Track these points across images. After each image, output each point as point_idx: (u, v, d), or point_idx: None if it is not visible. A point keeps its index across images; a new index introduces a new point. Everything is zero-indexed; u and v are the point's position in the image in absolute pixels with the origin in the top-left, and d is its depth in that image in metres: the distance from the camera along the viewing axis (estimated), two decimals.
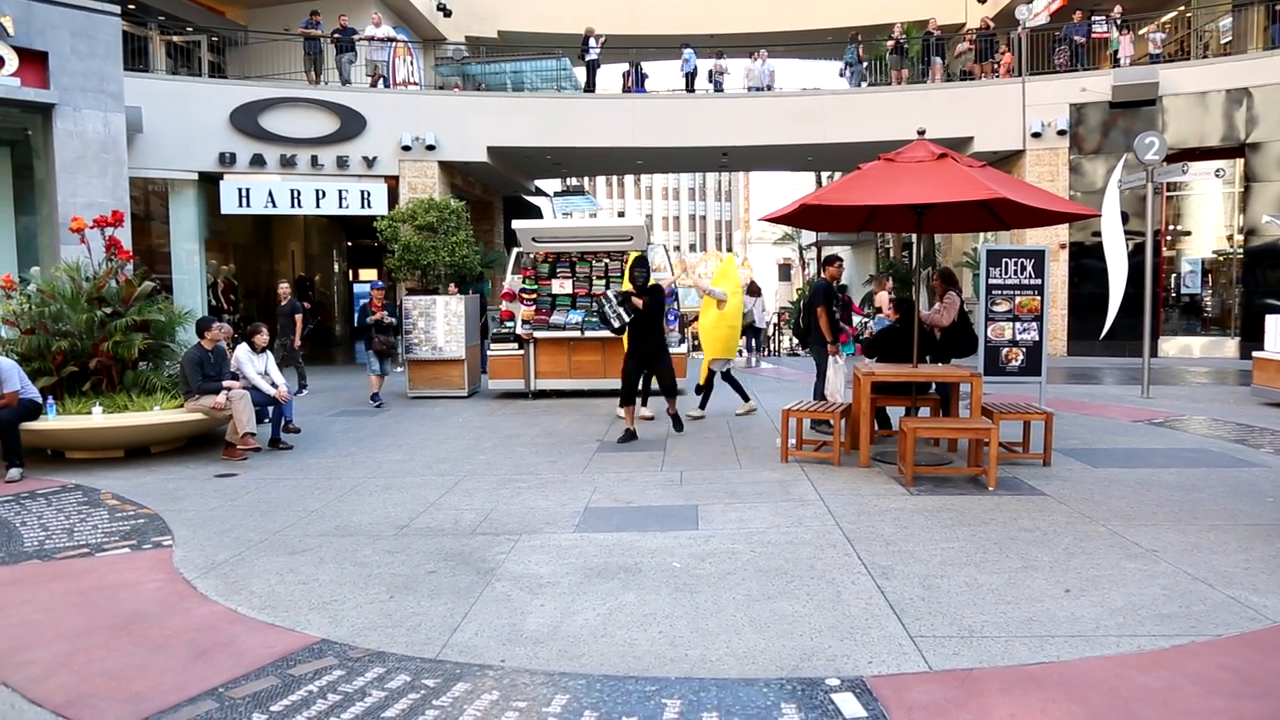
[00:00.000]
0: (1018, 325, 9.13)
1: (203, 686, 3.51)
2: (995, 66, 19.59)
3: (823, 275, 9.67)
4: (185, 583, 4.81)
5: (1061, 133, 18.17)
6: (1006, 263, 9.11)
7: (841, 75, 21.17)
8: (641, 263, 9.06)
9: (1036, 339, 9.07)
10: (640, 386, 9.98)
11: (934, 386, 8.35)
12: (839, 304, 9.28)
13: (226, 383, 8.38)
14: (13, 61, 12.13)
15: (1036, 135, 18.19)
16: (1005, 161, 18.63)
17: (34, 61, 12.40)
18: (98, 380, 8.76)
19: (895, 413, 8.78)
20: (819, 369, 9.46)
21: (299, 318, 13.41)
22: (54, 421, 8.02)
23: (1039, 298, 8.96)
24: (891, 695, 3.32)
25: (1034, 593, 4.36)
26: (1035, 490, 6.51)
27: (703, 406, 10.34)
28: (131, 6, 17.03)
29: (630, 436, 8.75)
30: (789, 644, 3.81)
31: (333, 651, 3.83)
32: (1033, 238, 16.14)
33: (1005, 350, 9.14)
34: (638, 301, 8.62)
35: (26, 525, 6.03)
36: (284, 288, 14.21)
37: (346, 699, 3.38)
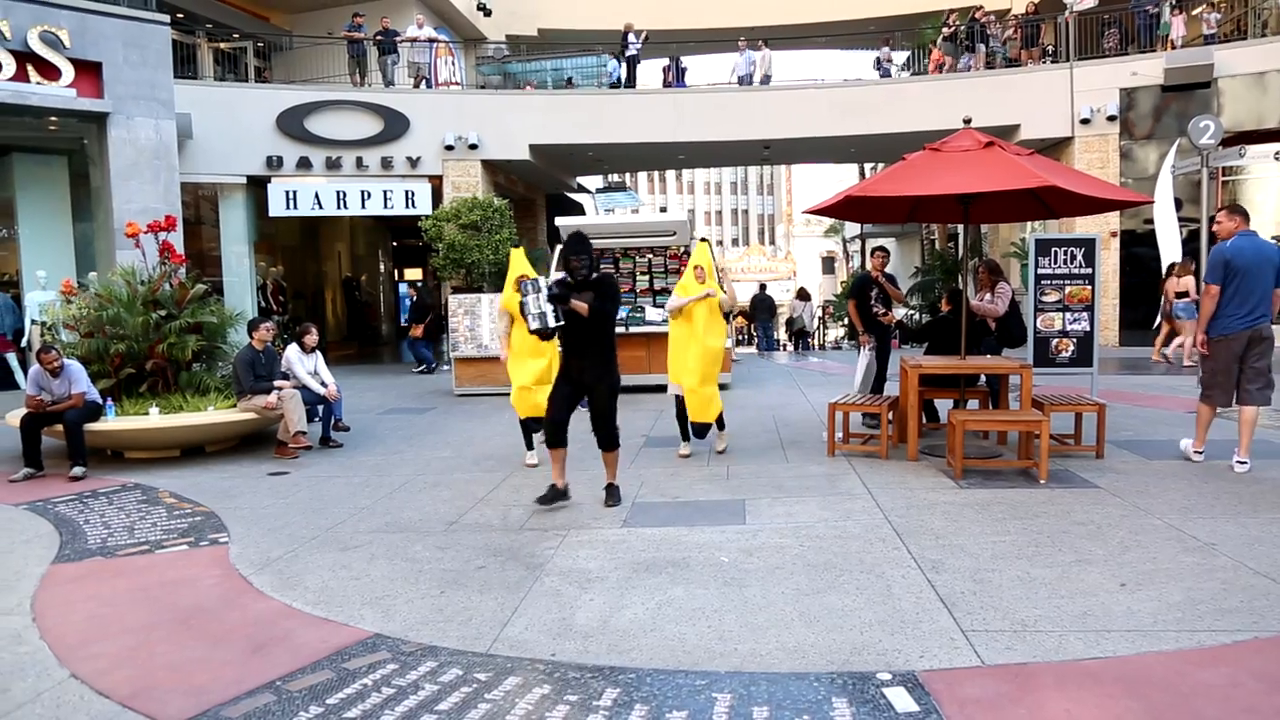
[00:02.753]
0: (1068, 315, 8.96)
1: (261, 680, 3.58)
2: (1044, 52, 19.24)
3: (869, 268, 9.59)
4: (241, 578, 4.91)
5: (1111, 118, 17.80)
6: (1056, 252, 8.93)
7: (877, 69, 20.92)
8: (580, 245, 6.00)
9: (1087, 329, 8.89)
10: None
11: (983, 379, 8.25)
12: (879, 297, 9.16)
13: (278, 383, 8.53)
14: (69, 73, 12.43)
15: (1085, 121, 17.83)
16: (1053, 149, 18.30)
17: (89, 72, 12.71)
18: (154, 382, 8.97)
19: (943, 405, 8.68)
20: (871, 362, 9.36)
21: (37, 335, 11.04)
22: (114, 422, 8.23)
23: (1090, 287, 8.78)
24: (944, 690, 3.29)
25: (1088, 587, 4.29)
26: (1088, 483, 6.40)
27: (720, 426, 8.06)
28: (180, 15, 17.36)
29: (556, 496, 6.07)
30: (839, 638, 3.79)
31: (386, 646, 3.89)
32: (1082, 226, 15.84)
33: (1055, 341, 8.97)
34: (578, 305, 5.78)
35: (90, 523, 6.19)
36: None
37: (400, 692, 3.42)
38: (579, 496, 6.41)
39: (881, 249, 9.70)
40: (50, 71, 12.30)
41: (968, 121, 7.55)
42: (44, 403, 7.85)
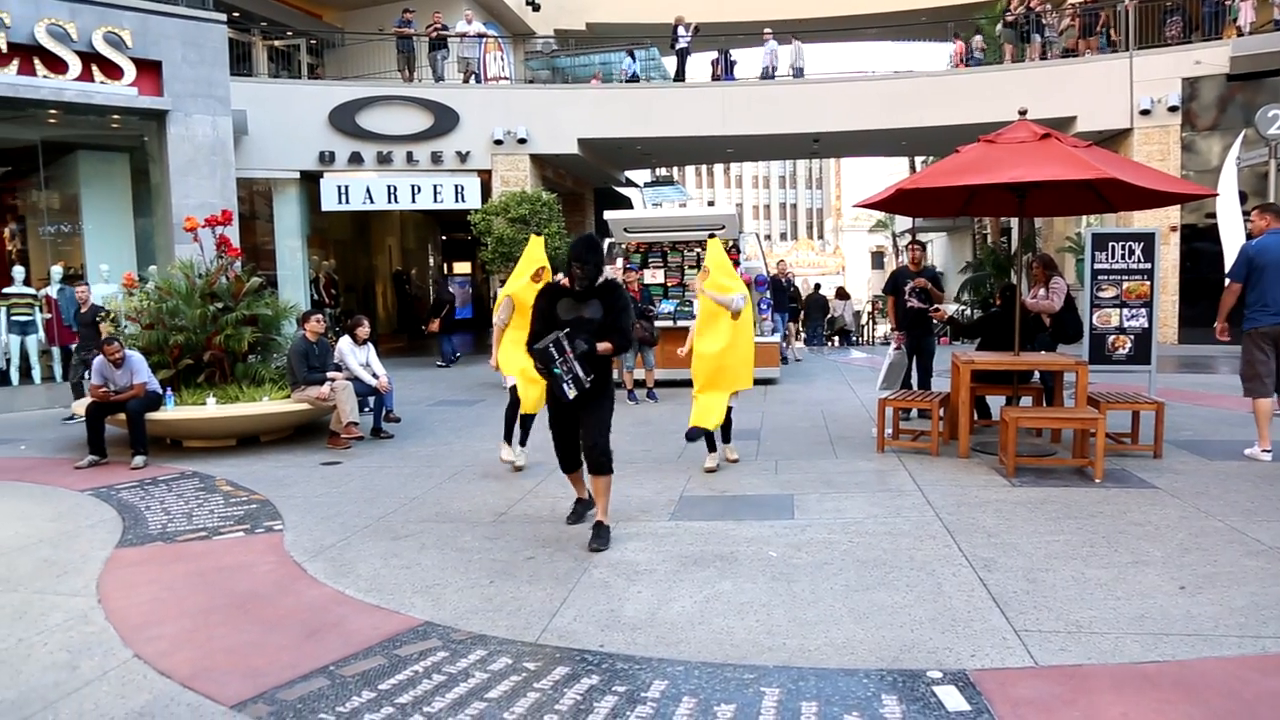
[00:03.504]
0: (1125, 312, 8.76)
1: (315, 664, 3.65)
2: (1103, 41, 18.79)
3: (908, 264, 9.46)
4: (296, 565, 5.00)
5: (1173, 109, 17.34)
6: (1113, 246, 8.74)
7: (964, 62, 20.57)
8: (586, 251, 5.17)
9: (1145, 326, 8.68)
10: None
11: (1036, 375, 8.11)
12: (914, 292, 9.00)
13: (330, 374, 8.68)
14: (131, 72, 12.72)
15: (1145, 112, 17.39)
16: (1111, 141, 17.89)
17: (149, 71, 12.99)
18: (211, 373, 9.17)
19: (995, 402, 8.55)
20: (918, 357, 9.24)
21: (105, 326, 10.44)
22: (173, 412, 8.43)
23: (1148, 283, 8.58)
24: (996, 690, 3.25)
25: (1146, 589, 4.20)
26: (1145, 483, 6.27)
27: (724, 439, 7.40)
28: (236, 14, 17.67)
29: (586, 507, 5.66)
30: (889, 635, 3.76)
31: (436, 634, 3.94)
32: (1141, 220, 15.48)
33: (1112, 338, 8.78)
34: (605, 348, 5.08)
35: (150, 510, 6.36)
36: (82, 290, 11.02)
37: (451, 679, 3.47)
38: (624, 490, 6.43)
39: (916, 242, 9.57)
40: (113, 71, 12.60)
41: (1023, 113, 7.42)
42: (108, 392, 8.07)
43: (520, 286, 7.20)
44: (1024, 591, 4.20)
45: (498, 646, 3.78)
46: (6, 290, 12.48)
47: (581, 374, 5.00)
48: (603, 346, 5.09)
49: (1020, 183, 6.71)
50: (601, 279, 5.25)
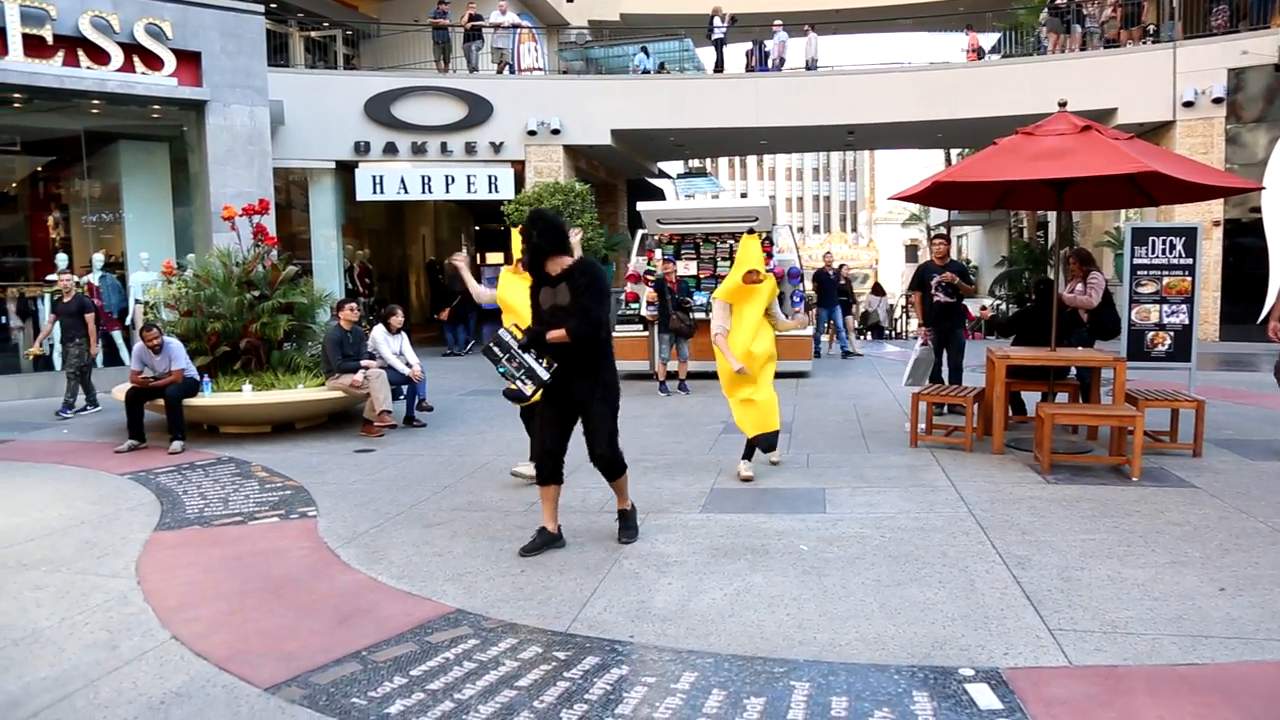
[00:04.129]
0: (1165, 308, 8.62)
1: (347, 649, 3.69)
2: (1145, 32, 18.45)
3: (932, 258, 9.36)
4: (329, 551, 5.06)
5: (1217, 100, 16.99)
6: (1154, 241, 8.59)
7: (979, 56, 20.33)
8: (532, 223, 4.70)
9: (1186, 322, 8.54)
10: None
11: (1073, 371, 8.01)
12: (940, 286, 8.91)
13: (364, 362, 8.75)
14: (171, 63, 12.89)
15: (1189, 104, 17.07)
16: (1153, 133, 17.59)
17: (189, 62, 13.15)
18: (247, 360, 9.29)
19: (1030, 398, 8.45)
20: (948, 352, 9.15)
21: (90, 318, 10.49)
22: (210, 398, 8.55)
23: (1189, 278, 8.43)
24: (1029, 689, 3.22)
25: (1184, 590, 4.14)
26: (1184, 482, 6.17)
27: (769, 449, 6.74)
28: (273, 5, 17.82)
29: (547, 542, 4.89)
30: (920, 631, 3.73)
31: (467, 621, 3.97)
32: (1182, 214, 15.19)
33: (1151, 334, 8.64)
34: (557, 336, 4.61)
35: (188, 494, 6.46)
36: (65, 280, 10.74)
37: (481, 667, 3.49)
38: (655, 482, 6.43)
39: (942, 236, 9.47)
40: (154, 62, 12.76)
41: (1063, 105, 7.31)
42: (147, 378, 8.21)
43: (508, 284, 6.36)
44: (1058, 590, 4.16)
45: (528, 635, 3.80)
46: (50, 277, 12.71)
47: (535, 366, 4.61)
48: (553, 334, 4.58)
49: (1061, 177, 6.61)
50: (567, 260, 4.72)
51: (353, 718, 3.12)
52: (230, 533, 5.48)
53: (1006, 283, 22.63)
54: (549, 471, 4.87)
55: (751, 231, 6.79)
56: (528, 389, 4.62)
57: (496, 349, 4.67)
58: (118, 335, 13.22)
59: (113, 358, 13.05)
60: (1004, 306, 22.60)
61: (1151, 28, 18.52)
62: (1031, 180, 6.92)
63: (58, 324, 12.51)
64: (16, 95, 12.54)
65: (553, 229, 4.70)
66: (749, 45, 20.66)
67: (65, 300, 10.58)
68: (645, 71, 20.29)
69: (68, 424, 9.82)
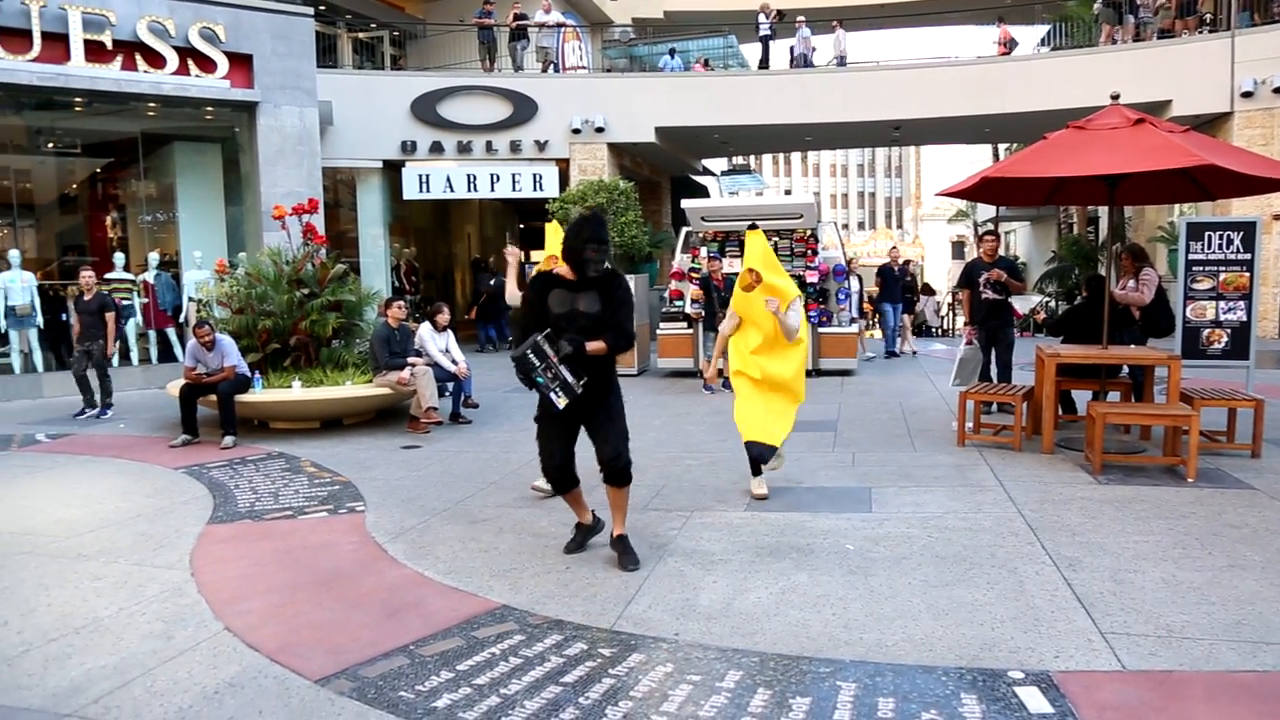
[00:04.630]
0: (1222, 304, 8.41)
1: (395, 643, 3.74)
2: (1201, 21, 17.99)
3: (979, 254, 9.22)
4: (377, 546, 5.13)
5: (1278, 90, 16.54)
6: (1210, 236, 8.39)
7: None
8: (600, 229, 4.51)
9: (1244, 319, 8.33)
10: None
11: (1125, 370, 7.85)
12: (989, 284, 8.76)
13: (411, 359, 8.85)
14: (224, 65, 13.14)
15: (1247, 95, 16.60)
16: (1210, 125, 17.14)
17: (241, 64, 13.40)
18: (297, 356, 9.44)
19: (1081, 397, 8.31)
20: (996, 350, 9.02)
21: (110, 317, 10.27)
22: (260, 394, 8.71)
23: (1248, 274, 8.22)
24: (1081, 693, 3.16)
25: (1243, 594, 4.04)
26: (1242, 483, 6.02)
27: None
28: (322, 7, 18.08)
29: (588, 533, 4.98)
30: (968, 633, 3.69)
31: (513, 617, 4.00)
32: (1239, 209, 14.81)
33: (1207, 332, 8.44)
34: (596, 348, 4.43)
35: (239, 488, 6.58)
36: (87, 277, 10.44)
37: (527, 663, 3.52)
38: (699, 480, 6.43)
39: (992, 233, 9.32)
40: (207, 65, 13.02)
41: (1115, 97, 7.16)
42: (200, 374, 8.38)
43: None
44: (1110, 593, 4.08)
45: (573, 631, 3.82)
46: (108, 276, 13.03)
47: (571, 379, 4.36)
48: (593, 346, 4.40)
49: (1114, 172, 6.48)
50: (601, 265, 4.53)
51: (400, 711, 3.16)
52: (280, 527, 5.58)
53: (1055, 280, 22.25)
54: (563, 481, 4.74)
55: (754, 227, 6.10)
56: (561, 402, 4.40)
57: (534, 358, 4.33)
58: (172, 332, 13.52)
59: (167, 354, 13.35)
60: (1053, 304, 22.21)
61: (1208, 16, 18.06)
62: (1082, 175, 6.80)
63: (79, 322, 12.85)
64: (78, 99, 12.89)
65: (605, 233, 4.55)
66: (793, 41, 20.51)
67: (87, 299, 10.34)
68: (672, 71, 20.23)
69: (124, 418, 10.04)
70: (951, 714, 3.04)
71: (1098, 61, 17.58)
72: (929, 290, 24.73)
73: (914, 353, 15.38)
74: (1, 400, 11.82)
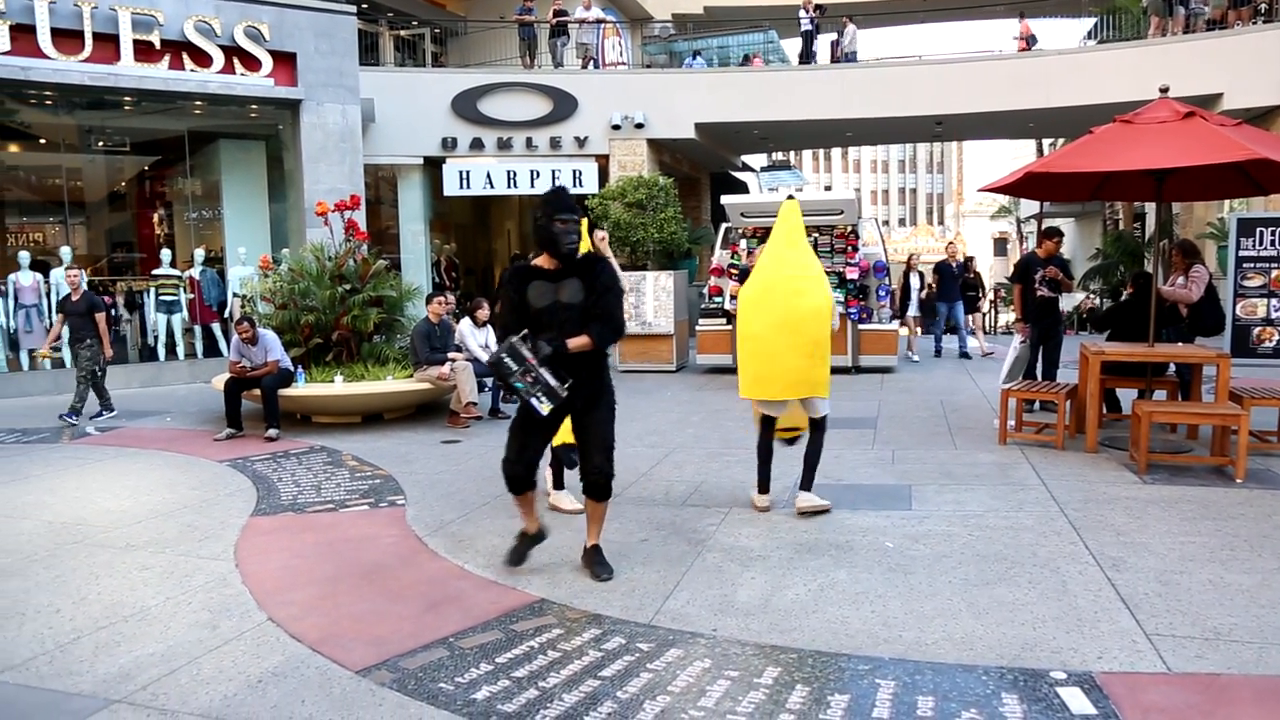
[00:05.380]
0: (1274, 302, 8.25)
1: (435, 635, 3.78)
2: (1255, 11, 17.56)
3: (1036, 249, 9.07)
4: (417, 539, 5.18)
5: None
6: (1261, 232, 8.24)
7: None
8: (565, 202, 4.21)
9: None
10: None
11: (1172, 368, 7.71)
12: (1044, 281, 8.63)
13: (451, 355, 8.93)
14: (268, 64, 13.33)
15: None
16: (1263, 119, 16.74)
17: (284, 62, 13.59)
18: (339, 351, 9.56)
19: (1125, 395, 8.16)
20: (1044, 348, 8.89)
21: (101, 317, 9.77)
22: (303, 388, 8.83)
23: None
24: (1125, 695, 3.11)
25: None
26: None
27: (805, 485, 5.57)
28: (364, 5, 18.26)
29: (531, 542, 4.60)
30: (1010, 632, 3.65)
31: (552, 611, 4.02)
32: None
33: (1258, 329, 8.28)
34: (579, 344, 4.13)
35: (282, 481, 6.68)
36: (73, 275, 9.91)
37: (565, 656, 3.54)
38: (738, 476, 6.41)
39: (1056, 231, 9.16)
40: (252, 63, 13.22)
41: (1164, 90, 7.02)
42: (244, 368, 8.52)
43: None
44: (1156, 594, 4.01)
45: (611, 626, 3.83)
46: (155, 272, 13.31)
47: (554, 383, 4.05)
48: (575, 343, 4.07)
49: (1163, 166, 6.36)
50: (582, 251, 4.25)
51: (440, 702, 3.19)
52: (322, 519, 5.66)
53: (1100, 277, 21.89)
54: (523, 481, 4.32)
55: (792, 197, 5.67)
56: (544, 408, 4.08)
57: (510, 361, 4.01)
58: (217, 328, 13.76)
59: (213, 349, 13.59)
60: (1097, 301, 21.86)
61: (1263, 6, 17.63)
62: (1130, 170, 6.68)
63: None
64: (127, 98, 13.15)
65: (571, 202, 4.19)
66: (834, 36, 20.36)
67: (74, 299, 9.80)
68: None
69: (170, 412, 10.23)
70: (992, 713, 3.01)
71: (1146, 54, 17.24)
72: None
73: (987, 353, 14.20)
74: (53, 393, 12.10)
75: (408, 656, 3.58)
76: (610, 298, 4.19)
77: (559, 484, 5.82)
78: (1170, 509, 5.35)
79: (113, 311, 10.73)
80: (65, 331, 10.88)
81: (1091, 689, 3.16)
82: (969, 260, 15.60)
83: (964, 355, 13.99)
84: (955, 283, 14.36)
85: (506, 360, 4.03)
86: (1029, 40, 19.41)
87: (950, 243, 17.53)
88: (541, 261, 4.24)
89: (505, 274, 4.28)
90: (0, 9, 11.29)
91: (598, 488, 4.35)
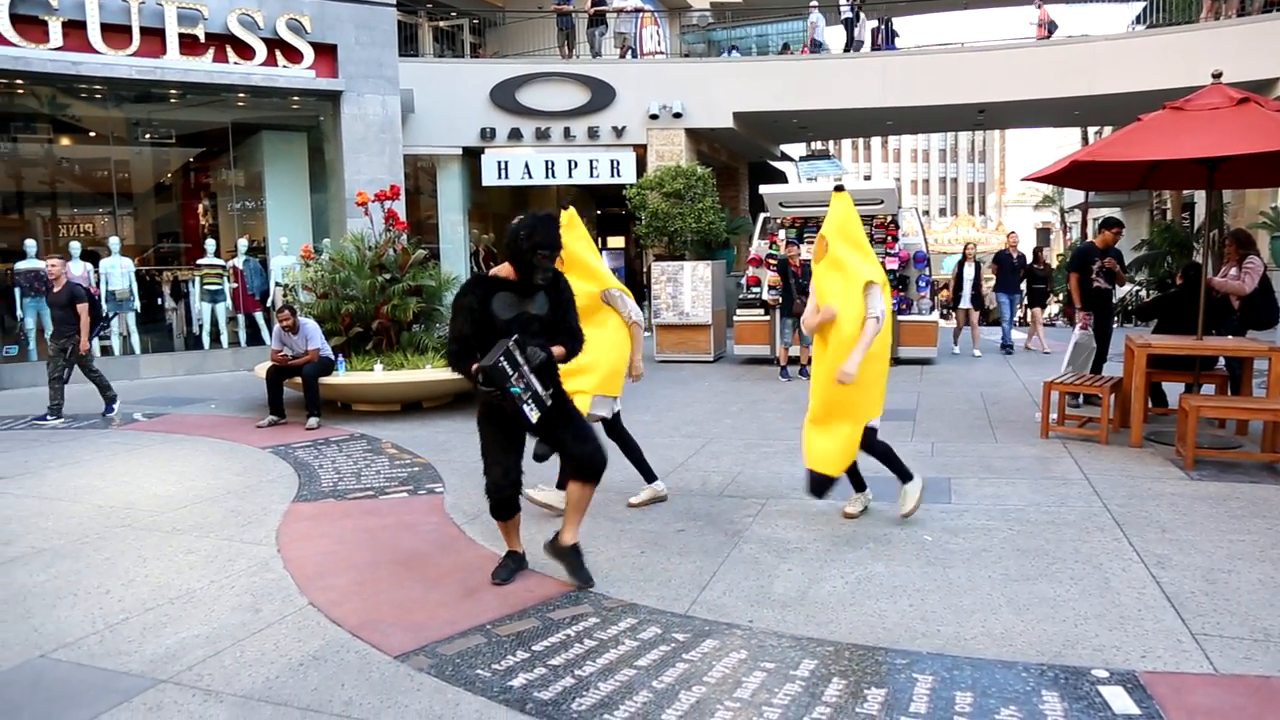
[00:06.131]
0: None
1: (472, 622, 3.81)
2: None
3: (1094, 240, 8.90)
4: (455, 527, 5.23)
5: None
6: None
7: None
8: (551, 232, 4.08)
9: None
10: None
11: (1221, 362, 7.54)
12: (1101, 271, 8.47)
13: None
14: (309, 56, 13.46)
15: None
16: None
17: (325, 54, 13.70)
18: (379, 340, 9.66)
19: (1172, 389, 8.00)
20: (1084, 341, 8.74)
21: (84, 309, 9.12)
22: (343, 377, 8.93)
23: None
24: (1169, 695, 3.06)
25: None
26: None
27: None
28: None
29: (514, 567, 4.39)
30: (1050, 629, 3.60)
31: (588, 600, 4.04)
32: None
33: None
34: (560, 352, 4.16)
35: (323, 468, 6.77)
36: (54, 265, 9.24)
37: (601, 645, 3.55)
38: (775, 468, 6.38)
39: (1115, 222, 8.96)
40: (294, 55, 13.36)
41: (1217, 76, 6.85)
42: (286, 357, 8.64)
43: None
44: (1202, 592, 3.94)
45: (647, 615, 3.84)
46: (199, 262, 13.53)
47: (541, 390, 4.01)
48: (557, 351, 4.13)
49: (1216, 154, 6.21)
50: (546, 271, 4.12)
51: (477, 689, 3.22)
52: (362, 505, 5.72)
53: (1147, 268, 21.45)
54: (509, 504, 4.21)
55: (840, 188, 5.16)
56: (534, 415, 3.99)
57: (507, 366, 3.89)
58: (260, 316, 13.97)
59: (255, 338, 13.80)
60: (1143, 293, 21.43)
61: None
62: (1180, 158, 6.53)
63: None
64: (173, 91, 13.34)
65: (557, 237, 4.13)
66: (874, 23, 20.13)
67: (56, 290, 9.17)
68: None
69: (215, 399, 10.40)
70: (1032, 711, 2.97)
71: (1198, 39, 16.83)
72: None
73: (1046, 352, 13.27)
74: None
75: (445, 643, 3.62)
76: (573, 312, 4.24)
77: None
78: (1218, 506, 5.24)
79: (102, 308, 9.93)
80: (49, 325, 10.06)
81: (1135, 688, 3.11)
82: (1038, 251, 14.88)
83: (1005, 348, 13.38)
84: (1015, 275, 13.70)
85: (503, 364, 3.87)
86: (1049, 27, 19.03)
87: (1012, 232, 16.54)
88: (504, 272, 4.14)
89: (465, 284, 4.18)
90: (53, 5, 11.50)
91: (593, 469, 4.17)
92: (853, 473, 5.20)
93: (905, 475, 5.05)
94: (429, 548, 4.85)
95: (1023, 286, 14.21)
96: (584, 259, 5.28)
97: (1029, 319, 14.89)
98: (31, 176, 15.07)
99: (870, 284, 4.82)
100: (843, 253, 4.87)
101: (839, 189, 5.13)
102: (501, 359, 3.86)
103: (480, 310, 4.06)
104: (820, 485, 4.93)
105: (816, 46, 19.51)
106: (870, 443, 4.96)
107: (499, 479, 4.12)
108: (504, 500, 4.16)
